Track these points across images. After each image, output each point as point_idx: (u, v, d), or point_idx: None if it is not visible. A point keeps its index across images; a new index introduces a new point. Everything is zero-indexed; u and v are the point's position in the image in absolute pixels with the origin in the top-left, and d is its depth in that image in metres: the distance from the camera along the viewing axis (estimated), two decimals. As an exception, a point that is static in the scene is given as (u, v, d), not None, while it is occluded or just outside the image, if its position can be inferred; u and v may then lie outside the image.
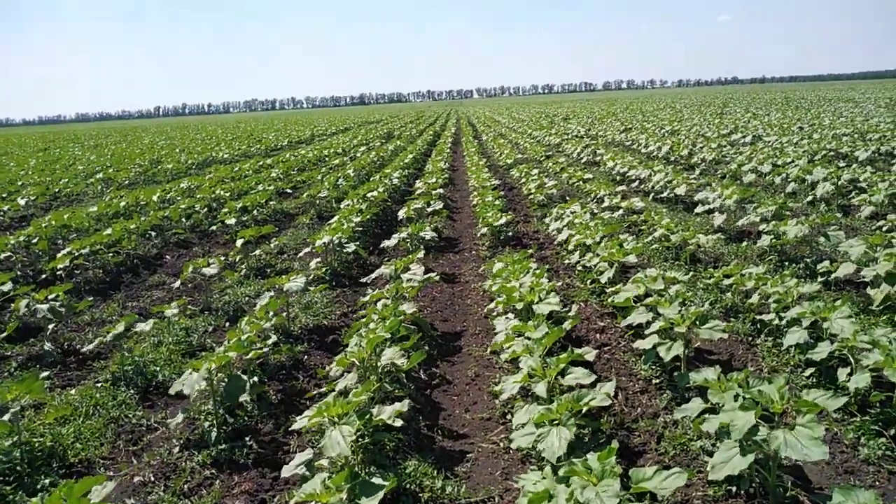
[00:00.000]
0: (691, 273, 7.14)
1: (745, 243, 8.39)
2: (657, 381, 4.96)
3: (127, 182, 19.36)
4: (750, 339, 5.61)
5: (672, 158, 17.57)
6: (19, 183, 18.83)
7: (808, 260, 7.29)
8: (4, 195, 16.52)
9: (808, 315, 4.97)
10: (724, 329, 4.63)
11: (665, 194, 11.81)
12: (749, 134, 21.68)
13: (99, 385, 5.46)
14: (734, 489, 3.52)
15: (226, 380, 4.58)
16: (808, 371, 4.77)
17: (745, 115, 34.25)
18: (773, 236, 7.67)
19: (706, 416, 3.57)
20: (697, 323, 4.69)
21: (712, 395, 3.74)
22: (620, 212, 10.24)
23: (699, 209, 10.22)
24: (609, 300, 6.19)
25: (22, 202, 14.77)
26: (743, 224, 8.88)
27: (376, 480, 3.32)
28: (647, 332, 4.97)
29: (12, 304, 6.78)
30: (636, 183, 13.72)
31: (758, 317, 5.73)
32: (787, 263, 7.35)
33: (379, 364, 4.71)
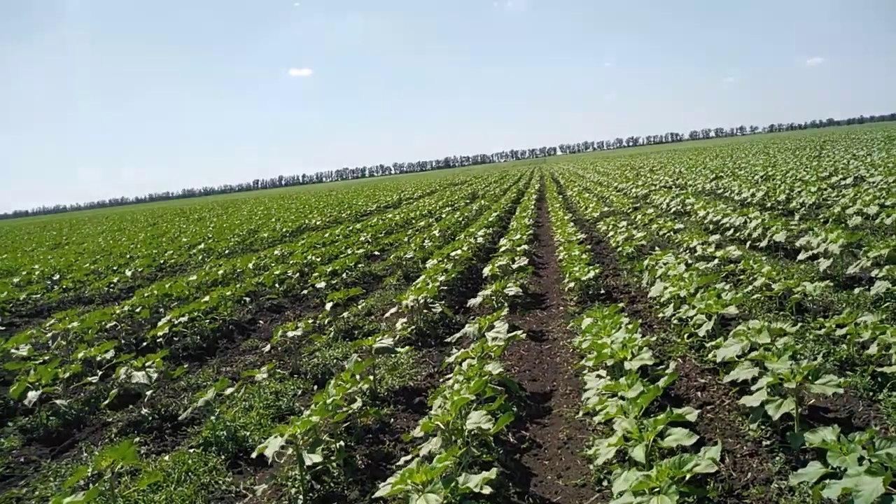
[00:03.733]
0: (799, 324, 6.64)
1: (856, 290, 7.78)
2: (768, 442, 4.55)
3: (227, 251, 20.24)
4: (870, 394, 5.09)
5: (768, 204, 16.80)
6: (129, 256, 20.06)
7: (932, 306, 6.66)
8: (115, 268, 17.61)
9: (939, 367, 4.48)
10: (839, 384, 4.21)
11: (763, 242, 11.19)
12: (851, 175, 20.51)
13: (191, 451, 5.53)
14: (867, 567, 3.11)
15: (310, 444, 4.53)
16: (944, 430, 4.27)
17: (845, 155, 32.56)
18: (889, 281, 7.07)
19: (827, 481, 3.20)
20: (810, 378, 4.29)
21: (832, 457, 3.36)
22: (715, 261, 9.77)
23: (801, 256, 9.60)
24: (710, 355, 5.82)
25: (129, 273, 15.67)
26: (853, 270, 8.26)
27: (464, 553, 3.13)
28: (753, 388, 4.60)
29: (114, 373, 7.06)
30: (730, 231, 13.13)
31: (878, 369, 5.22)
32: (906, 310, 6.74)
33: (464, 427, 4.54)
